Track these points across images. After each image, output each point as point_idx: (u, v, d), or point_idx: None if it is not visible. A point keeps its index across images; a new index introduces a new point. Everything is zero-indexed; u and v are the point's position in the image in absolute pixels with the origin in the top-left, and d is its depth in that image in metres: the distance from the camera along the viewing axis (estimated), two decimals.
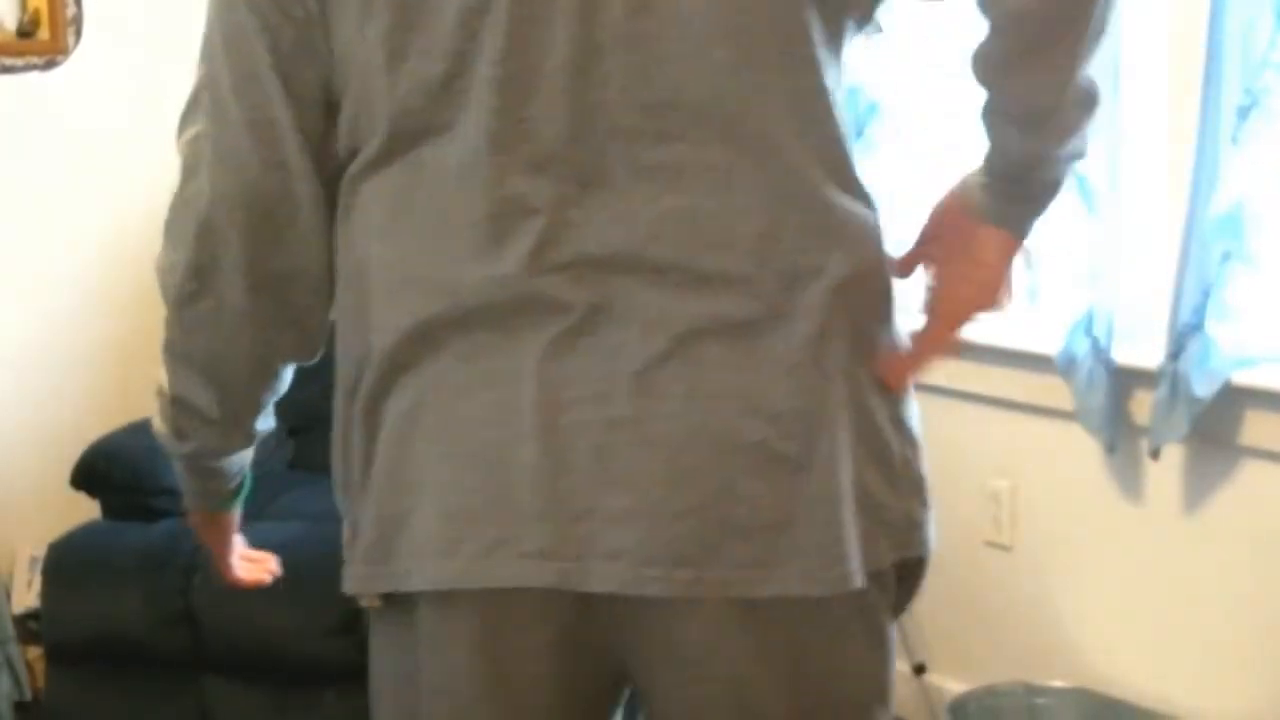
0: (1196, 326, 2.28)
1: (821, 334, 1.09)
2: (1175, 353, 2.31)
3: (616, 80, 1.06)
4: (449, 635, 1.13)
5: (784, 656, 1.12)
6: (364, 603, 1.19)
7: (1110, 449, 2.52)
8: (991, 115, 1.17)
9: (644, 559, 1.06)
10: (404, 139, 1.11)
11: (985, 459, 2.80)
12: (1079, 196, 2.45)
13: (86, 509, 2.78)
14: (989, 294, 1.20)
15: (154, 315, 3.28)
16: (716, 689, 1.12)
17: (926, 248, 1.23)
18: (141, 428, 2.83)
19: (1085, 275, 2.48)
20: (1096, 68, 1.11)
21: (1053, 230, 2.64)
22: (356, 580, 1.18)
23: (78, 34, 3.10)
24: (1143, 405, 2.44)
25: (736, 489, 1.07)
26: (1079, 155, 1.16)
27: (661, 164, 1.07)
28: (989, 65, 1.13)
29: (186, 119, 1.19)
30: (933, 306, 1.21)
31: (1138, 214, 2.46)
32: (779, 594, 1.07)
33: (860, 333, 1.12)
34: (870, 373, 1.13)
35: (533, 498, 1.07)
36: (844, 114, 1.14)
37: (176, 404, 1.33)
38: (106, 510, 2.77)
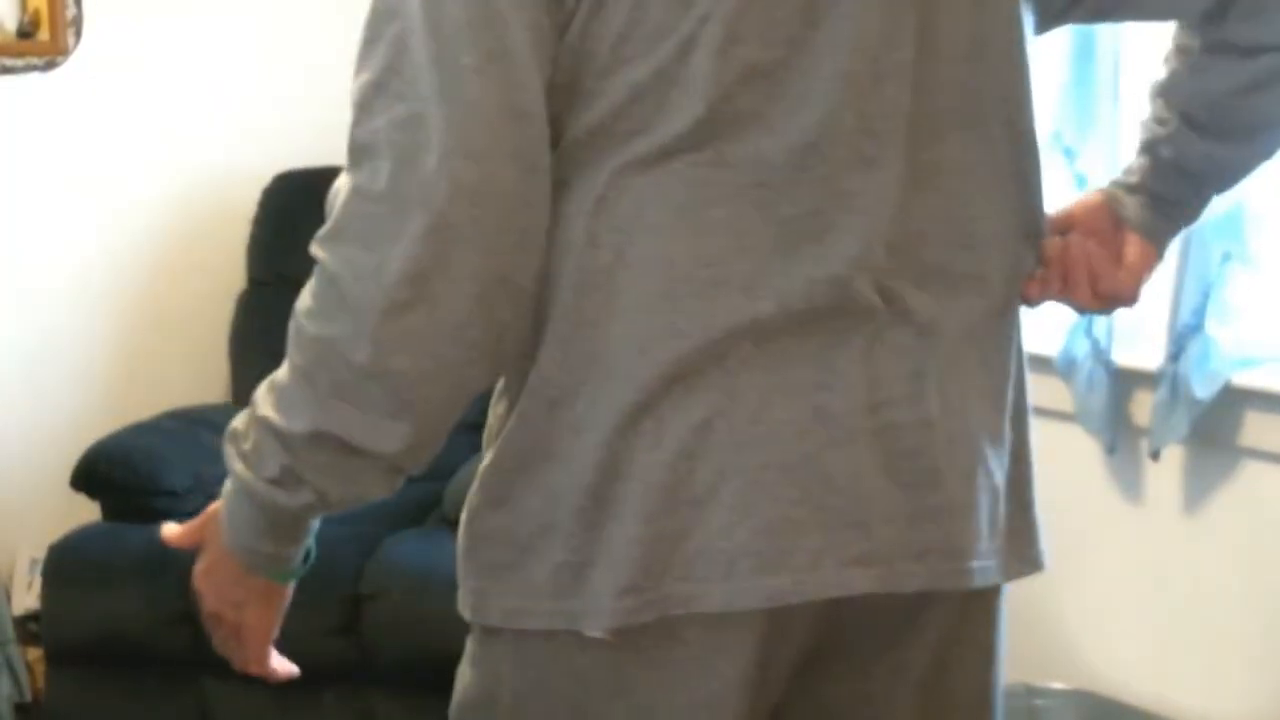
0: (1196, 327, 2.28)
1: (1019, 331, 1.19)
2: (1175, 354, 2.31)
3: (949, 84, 1.09)
4: (724, 654, 1.08)
5: (990, 650, 1.29)
6: (593, 631, 1.06)
7: (1110, 450, 2.51)
8: (1202, 134, 1.23)
9: (948, 554, 1.11)
10: (716, 126, 1.03)
11: None
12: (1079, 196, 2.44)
13: (86, 511, 2.78)
14: (1126, 295, 1.26)
15: (154, 317, 3.28)
16: (947, 684, 1.26)
17: (1064, 240, 1.25)
18: (141, 429, 2.85)
19: None
20: None
21: None
22: (610, 614, 1.05)
23: (78, 34, 3.10)
24: (1143, 406, 2.44)
25: (991, 482, 1.14)
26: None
27: (928, 162, 1.10)
28: (1228, 89, 1.20)
29: (379, 99, 1.02)
30: (1064, 279, 1.24)
31: None
32: (1016, 577, 1.19)
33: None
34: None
35: (850, 504, 1.07)
36: None
37: (320, 443, 1.06)
38: (106, 512, 2.77)
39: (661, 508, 1.04)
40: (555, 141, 1.04)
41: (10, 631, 2.97)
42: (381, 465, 1.07)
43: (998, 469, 1.14)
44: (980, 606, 1.19)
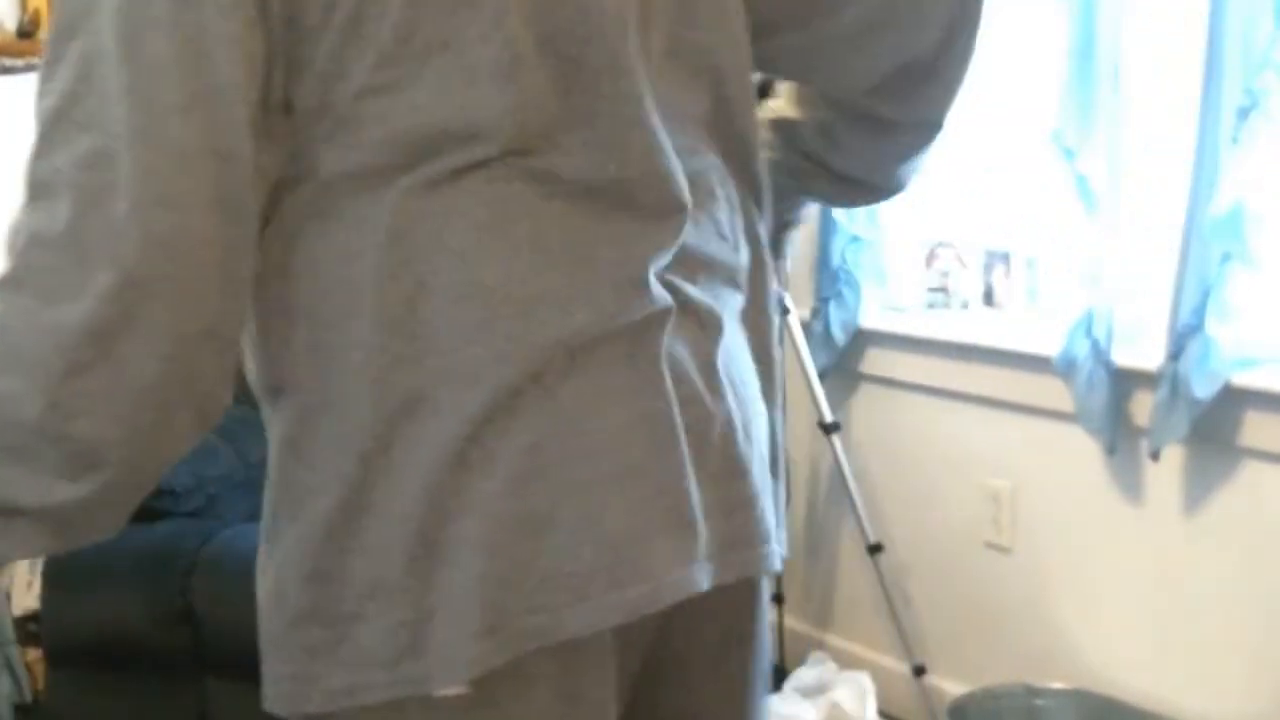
0: (1196, 327, 2.27)
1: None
2: (1175, 354, 2.31)
3: (673, 92, 1.10)
4: (586, 680, 1.04)
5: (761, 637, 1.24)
6: (446, 690, 0.98)
7: (1110, 450, 2.51)
8: (816, 175, 1.36)
9: (763, 538, 1.12)
10: (515, 148, 0.99)
11: (985, 459, 2.80)
12: (1079, 198, 2.45)
13: None
14: None
15: None
16: (745, 670, 1.22)
17: None
18: None
19: (1085, 276, 2.48)
20: None
21: (1053, 230, 2.65)
22: (466, 664, 0.97)
23: None
24: (1143, 406, 2.44)
25: (767, 469, 1.16)
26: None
27: (704, 168, 1.13)
28: (871, 149, 1.36)
29: (59, 128, 0.97)
30: None
31: (1138, 214, 2.46)
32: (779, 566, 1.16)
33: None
34: None
35: (688, 503, 1.04)
36: None
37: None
38: None
39: (504, 539, 0.97)
40: (311, 175, 0.98)
41: (10, 632, 2.97)
42: (46, 522, 0.95)
43: (768, 455, 1.16)
44: (753, 595, 1.19)
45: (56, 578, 2.68)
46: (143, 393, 0.92)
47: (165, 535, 2.66)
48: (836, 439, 2.88)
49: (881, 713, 2.80)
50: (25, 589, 3.04)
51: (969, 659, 2.87)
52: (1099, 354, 2.45)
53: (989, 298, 2.81)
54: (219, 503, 2.80)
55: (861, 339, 3.01)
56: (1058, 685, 2.62)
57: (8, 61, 3.03)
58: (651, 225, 1.05)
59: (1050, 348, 2.56)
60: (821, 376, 2.92)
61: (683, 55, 1.09)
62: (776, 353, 1.19)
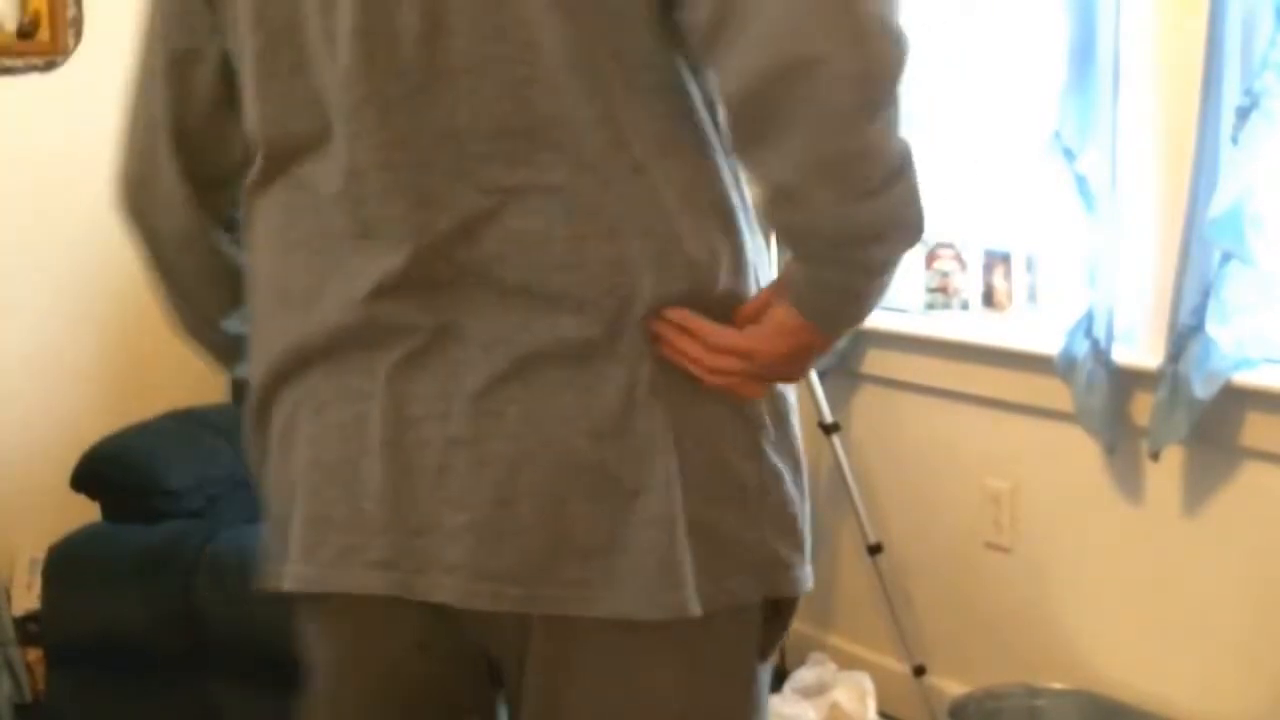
0: (1196, 327, 2.27)
1: (650, 360, 1.08)
2: (1175, 354, 2.31)
3: (465, 107, 1.06)
4: (321, 633, 1.26)
5: (613, 679, 1.14)
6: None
7: (1110, 450, 2.51)
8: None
9: (476, 574, 1.09)
10: (280, 158, 1.16)
11: (985, 459, 2.80)
12: (1079, 196, 2.45)
13: (86, 511, 2.77)
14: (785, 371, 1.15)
15: (154, 317, 3.27)
16: (557, 701, 1.16)
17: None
18: (141, 429, 2.85)
19: (1085, 275, 2.48)
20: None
21: (1053, 230, 2.65)
22: (288, 579, 1.21)
23: (78, 34, 3.10)
24: (1143, 406, 2.44)
25: (570, 509, 1.08)
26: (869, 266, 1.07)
27: (514, 187, 1.07)
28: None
29: None
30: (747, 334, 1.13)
31: (1138, 214, 2.46)
32: (609, 615, 1.08)
33: None
34: (717, 401, 1.11)
35: (378, 510, 1.12)
36: (707, 132, 1.11)
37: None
38: (107, 512, 2.76)
39: (275, 495, 1.21)
40: None
41: (10, 631, 2.97)
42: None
43: (579, 496, 1.08)
44: (606, 637, 1.11)
45: (56, 578, 2.68)
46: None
47: (166, 535, 2.66)
48: (836, 439, 2.88)
49: (882, 713, 2.80)
50: (25, 589, 3.04)
51: (969, 659, 2.87)
52: (1099, 354, 2.45)
53: (989, 298, 2.81)
54: (220, 503, 2.79)
55: (861, 339, 3.01)
56: (1058, 685, 2.62)
57: (8, 62, 3.03)
58: (381, 246, 1.09)
59: (1050, 348, 2.55)
60: (821, 377, 2.92)
61: (474, 69, 1.06)
62: (650, 399, 1.08)
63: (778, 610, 1.18)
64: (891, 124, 0.99)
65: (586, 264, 1.06)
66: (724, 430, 1.11)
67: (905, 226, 1.04)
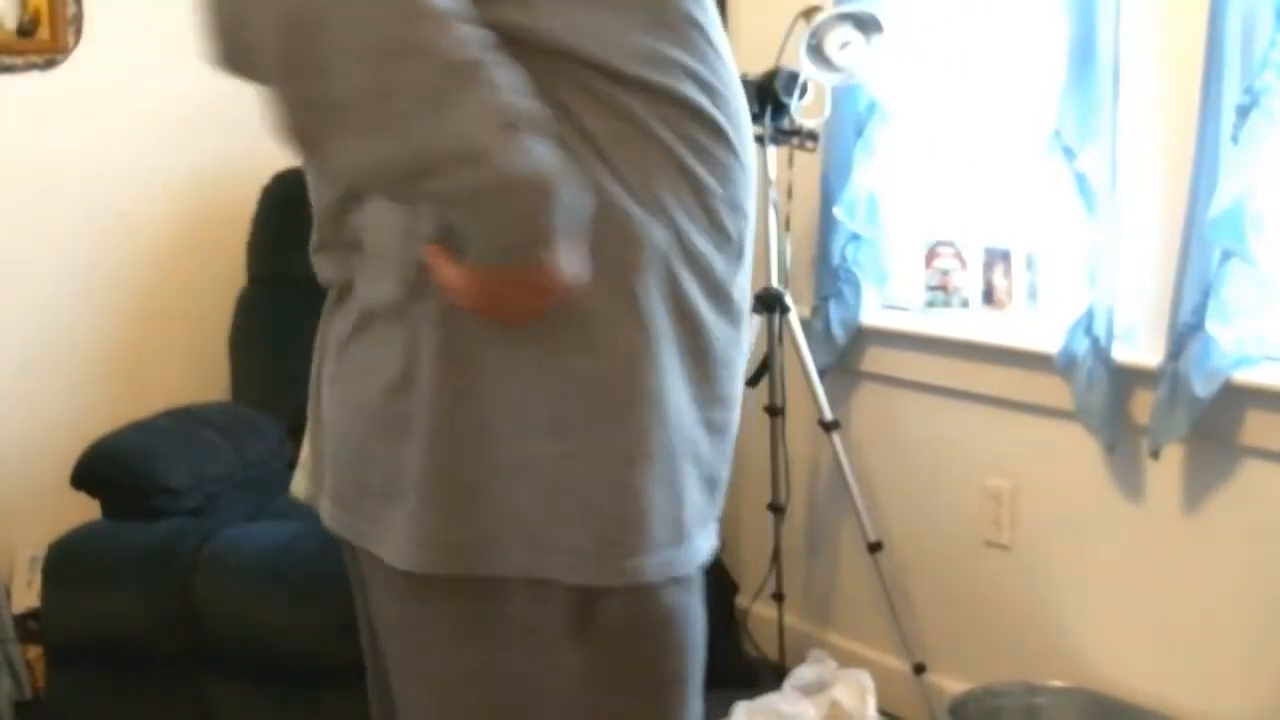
0: (1196, 326, 2.28)
1: (444, 324, 1.12)
2: (1175, 352, 2.31)
3: None
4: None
5: (396, 626, 1.22)
6: None
7: (1110, 448, 2.52)
8: None
9: (332, 500, 1.23)
10: None
11: (985, 459, 2.80)
12: (1079, 196, 2.45)
13: (86, 509, 2.77)
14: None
15: (154, 315, 3.26)
16: (375, 635, 1.31)
17: None
18: (141, 427, 2.85)
19: (1085, 275, 2.48)
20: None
21: (1053, 229, 2.65)
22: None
23: (78, 34, 3.10)
24: (1143, 405, 2.44)
25: (367, 453, 1.18)
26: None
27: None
28: None
29: None
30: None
31: (1138, 214, 2.46)
32: (383, 557, 1.16)
33: (470, 326, 1.12)
34: (511, 375, 1.11)
35: (311, 447, 1.30)
36: None
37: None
38: (106, 510, 2.76)
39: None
40: None
41: (10, 630, 2.97)
42: None
43: (374, 441, 1.18)
44: (394, 582, 1.18)
45: (57, 576, 2.68)
46: None
47: (165, 534, 2.66)
48: (836, 437, 2.88)
49: (881, 711, 2.80)
50: (25, 587, 3.04)
51: (969, 657, 2.87)
52: (1099, 352, 2.45)
53: (989, 296, 2.81)
54: (219, 501, 2.80)
55: (862, 337, 3.01)
56: (1057, 684, 2.62)
57: (8, 61, 3.02)
58: (315, 212, 1.25)
59: (1050, 346, 2.56)
60: (821, 375, 2.92)
61: None
62: (424, 362, 1.13)
63: (600, 597, 1.13)
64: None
65: (395, 231, 1.14)
66: (508, 400, 1.11)
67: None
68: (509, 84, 1.01)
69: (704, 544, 1.18)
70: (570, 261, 1.06)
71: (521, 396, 1.11)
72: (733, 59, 1.21)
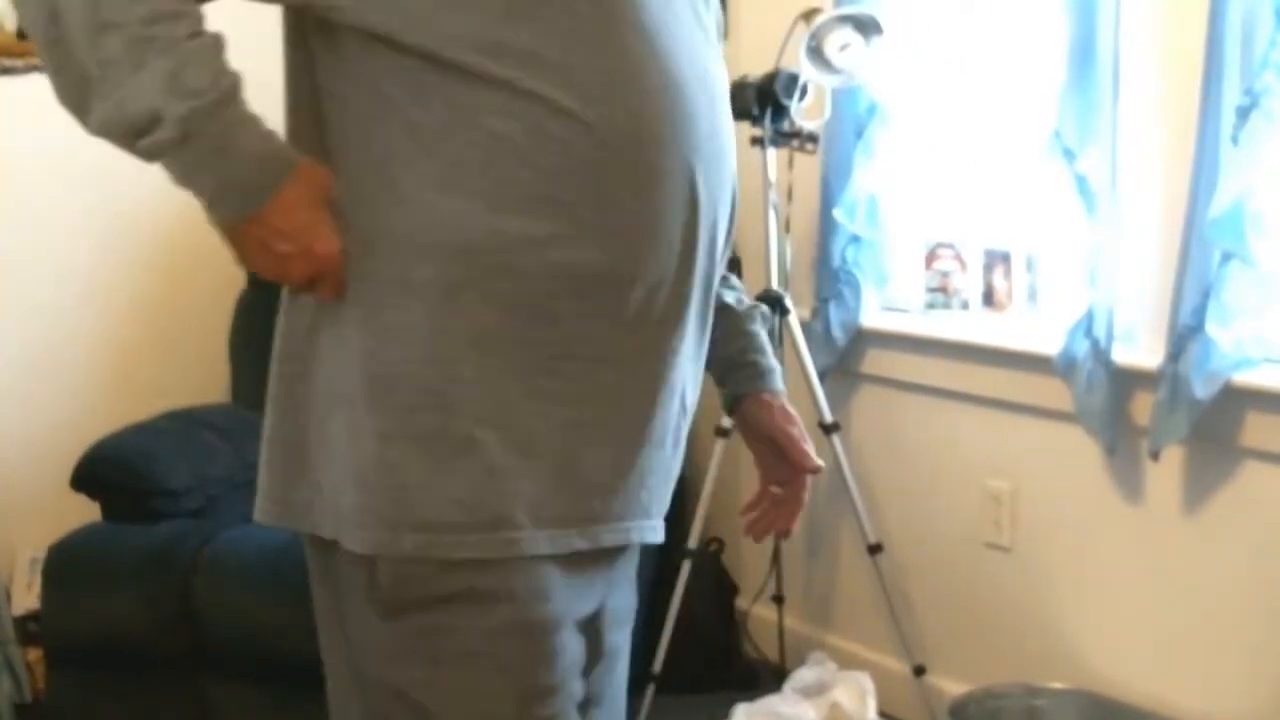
0: (1196, 327, 2.27)
1: (285, 301, 1.29)
2: (1175, 354, 2.31)
3: None
4: None
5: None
6: None
7: (1110, 450, 2.51)
8: None
9: None
10: None
11: (985, 459, 2.80)
12: (1079, 197, 2.45)
13: (86, 511, 2.78)
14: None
15: (154, 316, 3.26)
16: None
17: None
18: (141, 429, 2.85)
19: (1085, 276, 2.48)
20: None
21: (1053, 230, 2.65)
22: None
23: None
24: (1143, 406, 2.44)
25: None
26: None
27: None
28: None
29: None
30: None
31: (1138, 214, 2.46)
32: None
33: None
34: (335, 354, 1.22)
35: None
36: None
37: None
38: (106, 512, 2.76)
39: None
40: None
41: (10, 631, 2.97)
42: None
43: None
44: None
45: (56, 577, 2.68)
46: None
47: (165, 535, 2.66)
48: (836, 439, 2.88)
49: (882, 712, 2.79)
50: (25, 589, 3.04)
51: (969, 659, 2.87)
52: (1099, 354, 2.45)
53: (989, 298, 2.81)
54: (219, 503, 2.80)
55: (862, 339, 3.01)
56: (1057, 685, 2.62)
57: (7, 62, 3.02)
58: None
59: (1050, 348, 2.55)
60: (821, 376, 2.92)
61: None
62: (300, 337, 1.27)
63: (377, 566, 1.19)
64: None
65: None
66: (327, 377, 1.23)
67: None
68: (197, 52, 1.12)
69: (536, 536, 1.19)
70: (299, 222, 1.17)
71: (331, 375, 1.21)
72: (627, 24, 1.17)
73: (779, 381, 1.51)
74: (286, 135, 1.23)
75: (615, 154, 1.17)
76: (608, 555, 1.29)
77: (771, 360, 1.52)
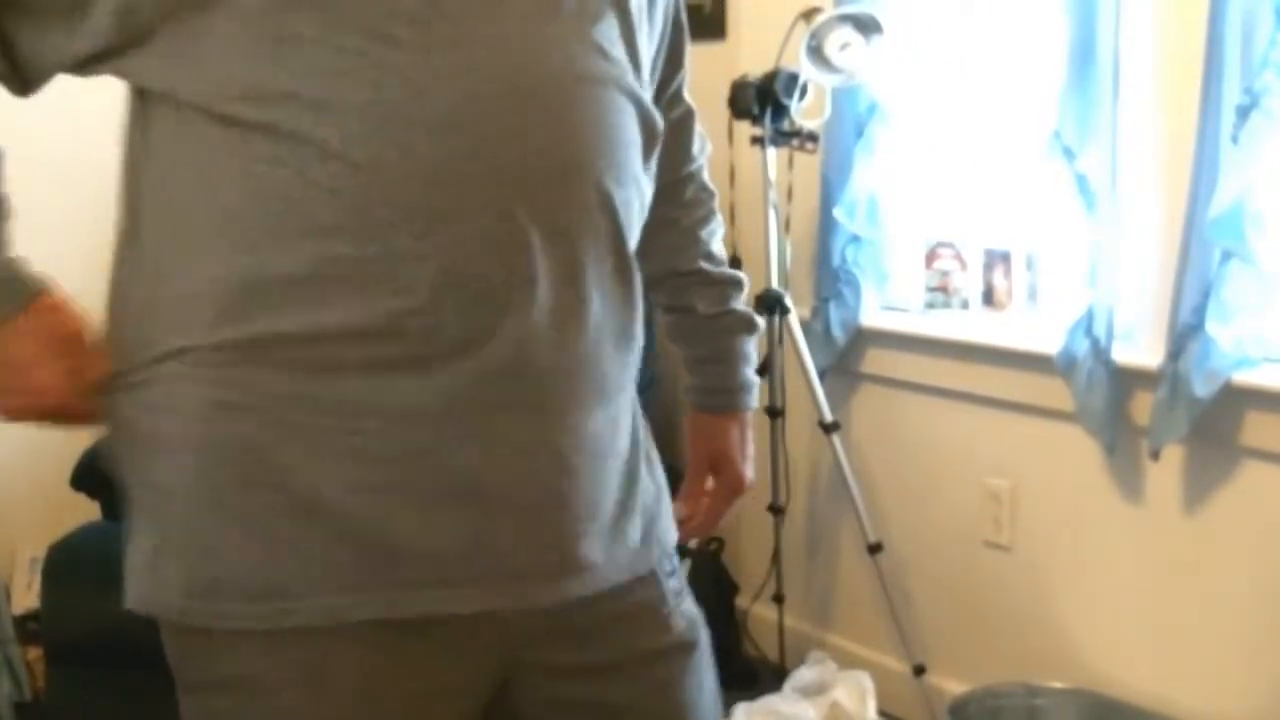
0: (1196, 326, 2.28)
1: None
2: (1175, 353, 2.31)
3: None
4: None
5: None
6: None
7: (1110, 449, 2.51)
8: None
9: None
10: None
11: (985, 459, 2.80)
12: (1079, 197, 2.45)
13: (86, 510, 2.77)
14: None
15: None
16: None
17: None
18: None
19: (1085, 275, 2.48)
20: None
21: (1053, 230, 2.65)
22: None
23: None
24: (1143, 405, 2.44)
25: None
26: None
27: None
28: None
29: None
30: None
31: (1138, 214, 2.46)
32: None
33: None
34: None
35: None
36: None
37: None
38: (106, 511, 2.76)
39: None
40: None
41: (10, 631, 2.97)
42: None
43: None
44: None
45: (56, 576, 2.68)
46: None
47: None
48: (836, 438, 2.88)
49: (882, 712, 2.80)
50: (25, 588, 3.04)
51: (969, 658, 2.87)
52: (1099, 353, 2.45)
53: (989, 297, 2.81)
54: None
55: (861, 338, 3.01)
56: (1058, 685, 2.62)
57: None
58: None
59: (1050, 347, 2.56)
60: (821, 376, 2.92)
61: None
62: None
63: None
64: None
65: None
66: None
67: None
68: None
69: (210, 598, 1.23)
70: (23, 354, 1.24)
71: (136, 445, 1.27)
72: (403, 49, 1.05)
73: (733, 399, 1.53)
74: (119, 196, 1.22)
75: (389, 196, 1.05)
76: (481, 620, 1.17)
77: (728, 377, 1.52)
